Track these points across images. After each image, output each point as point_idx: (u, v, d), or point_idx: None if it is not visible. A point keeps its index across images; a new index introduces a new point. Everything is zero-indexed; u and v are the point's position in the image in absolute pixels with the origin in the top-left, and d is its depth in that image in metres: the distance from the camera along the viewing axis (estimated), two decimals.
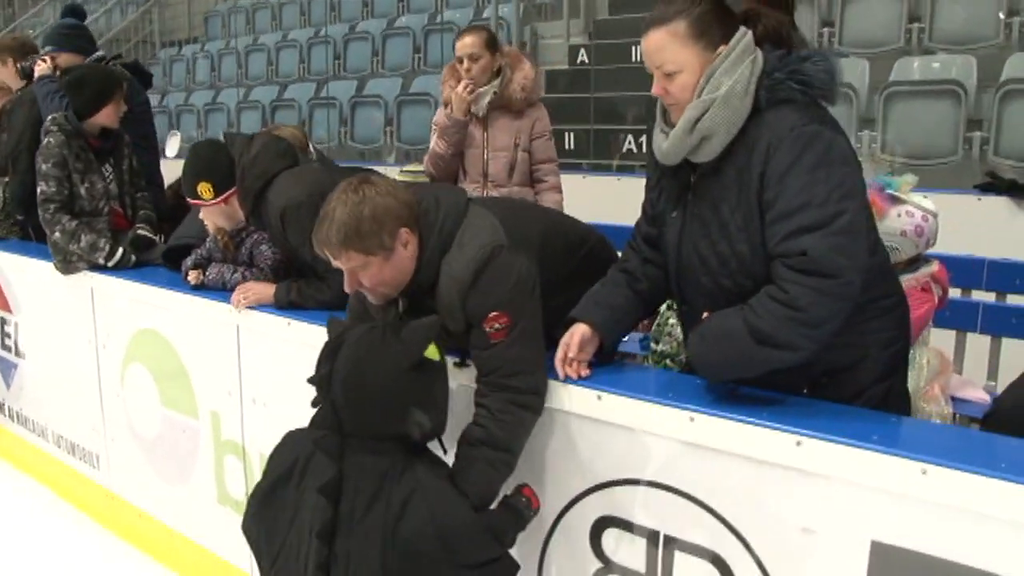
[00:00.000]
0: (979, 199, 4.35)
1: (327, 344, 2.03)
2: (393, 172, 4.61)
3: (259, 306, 2.90)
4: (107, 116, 3.73)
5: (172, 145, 5.36)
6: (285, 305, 2.85)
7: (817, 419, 1.80)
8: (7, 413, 4.66)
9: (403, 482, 1.91)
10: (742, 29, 1.98)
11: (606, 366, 2.21)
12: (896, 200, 2.62)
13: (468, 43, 3.70)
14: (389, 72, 8.56)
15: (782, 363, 1.84)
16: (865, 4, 5.99)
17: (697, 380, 2.05)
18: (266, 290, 2.90)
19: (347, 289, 2.16)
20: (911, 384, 2.45)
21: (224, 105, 9.06)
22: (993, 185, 4.37)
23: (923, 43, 5.75)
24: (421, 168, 3.94)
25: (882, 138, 5.17)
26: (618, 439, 2.07)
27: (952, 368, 2.96)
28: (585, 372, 2.13)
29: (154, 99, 9.71)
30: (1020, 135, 4.68)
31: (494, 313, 2.03)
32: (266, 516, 2.08)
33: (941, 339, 2.97)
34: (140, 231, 3.71)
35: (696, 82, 1.94)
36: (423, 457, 2.01)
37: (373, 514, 1.89)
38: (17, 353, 4.40)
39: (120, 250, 3.60)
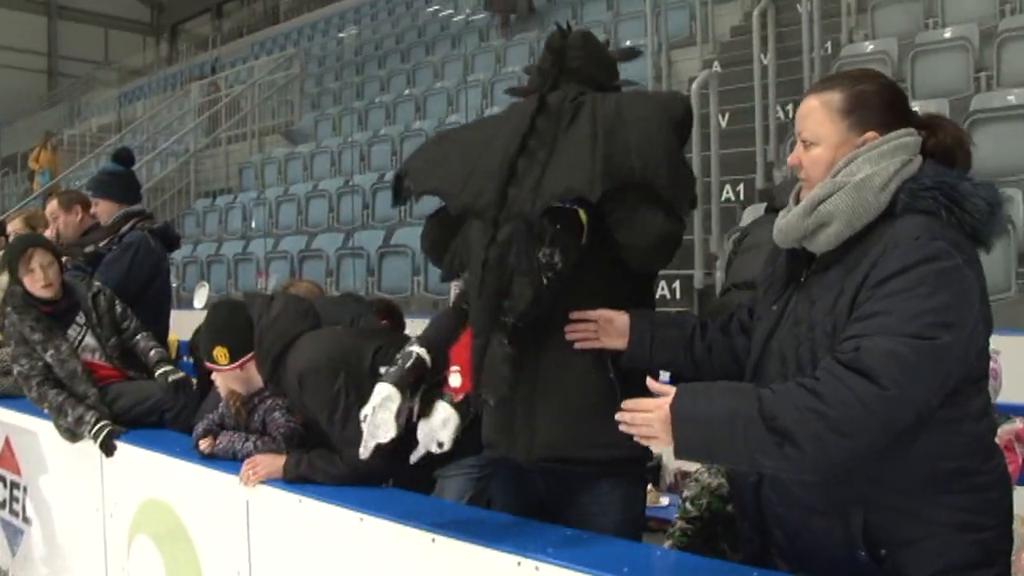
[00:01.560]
0: None
1: None
2: (422, 324, 4.52)
3: (270, 480, 2.73)
4: (30, 283, 3.64)
5: (200, 296, 5.32)
6: (294, 479, 2.67)
7: None
8: None
9: None
10: (909, 129, 1.78)
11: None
12: None
13: None
14: (416, 221, 8.60)
15: (780, 464, 1.61)
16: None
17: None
18: (276, 462, 2.74)
19: None
20: None
21: (253, 255, 9.12)
22: None
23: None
24: None
25: None
26: None
27: None
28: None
29: (186, 250, 9.86)
30: None
31: None
32: None
33: (1019, 501, 2.71)
34: (171, 378, 3.59)
35: (832, 159, 1.77)
36: None
37: None
38: (24, 519, 4.21)
39: (104, 426, 3.44)
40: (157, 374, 3.64)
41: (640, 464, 2.30)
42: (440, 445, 2.13)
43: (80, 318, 3.72)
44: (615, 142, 2.05)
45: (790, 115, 6.94)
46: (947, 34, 6.87)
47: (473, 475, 2.81)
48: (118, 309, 3.82)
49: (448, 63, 12.26)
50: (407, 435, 2.75)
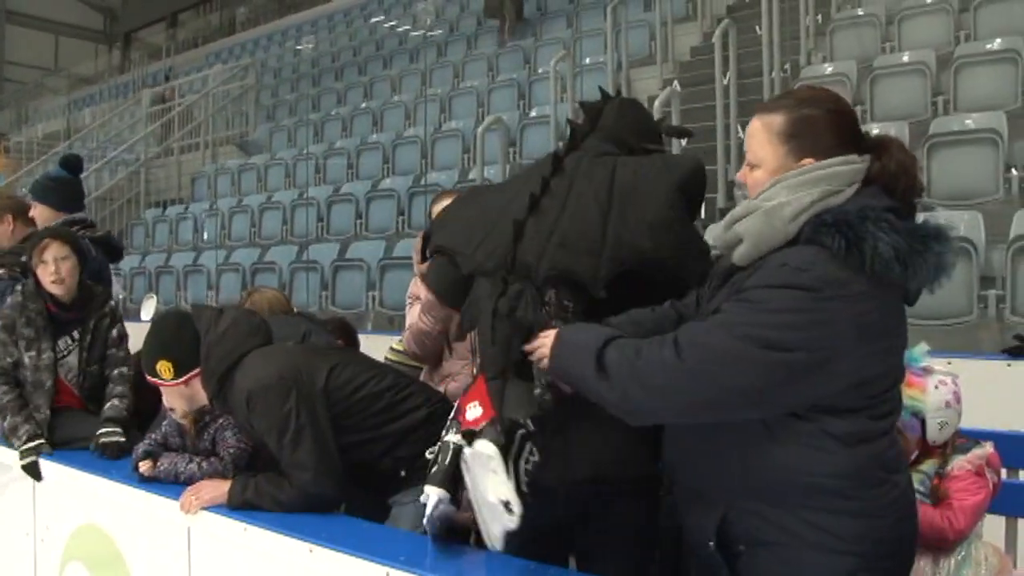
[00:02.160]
0: (1008, 365, 4.07)
1: None
2: (376, 341, 4.37)
3: (214, 506, 2.57)
4: (42, 275, 3.45)
5: (147, 308, 5.11)
6: (239, 505, 2.52)
7: None
8: None
9: None
10: (852, 157, 1.76)
11: None
12: (928, 371, 2.39)
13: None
14: (373, 235, 8.47)
15: (599, 393, 1.80)
16: None
17: None
18: (220, 487, 2.58)
19: None
20: None
21: (204, 267, 8.90)
22: (1023, 349, 4.08)
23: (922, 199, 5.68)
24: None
25: None
26: None
27: (1011, 566, 2.65)
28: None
29: (134, 260, 9.61)
30: None
31: None
32: None
33: (987, 528, 2.65)
34: (102, 439, 3.27)
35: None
36: None
37: None
38: None
39: (34, 447, 3.26)
40: (98, 432, 3.34)
41: (658, 480, 2.24)
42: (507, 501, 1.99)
43: (76, 334, 3.53)
44: (626, 219, 2.08)
45: None
46: (905, 58, 6.92)
47: None
48: (113, 334, 3.60)
49: (405, 77, 12.15)
50: (369, 461, 2.64)
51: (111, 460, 3.18)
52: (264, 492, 2.51)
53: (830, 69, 7.28)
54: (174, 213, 10.94)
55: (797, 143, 1.76)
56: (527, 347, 2.00)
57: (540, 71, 9.89)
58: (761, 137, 1.80)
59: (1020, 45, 6.39)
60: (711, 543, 1.82)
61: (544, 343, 1.94)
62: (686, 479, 1.93)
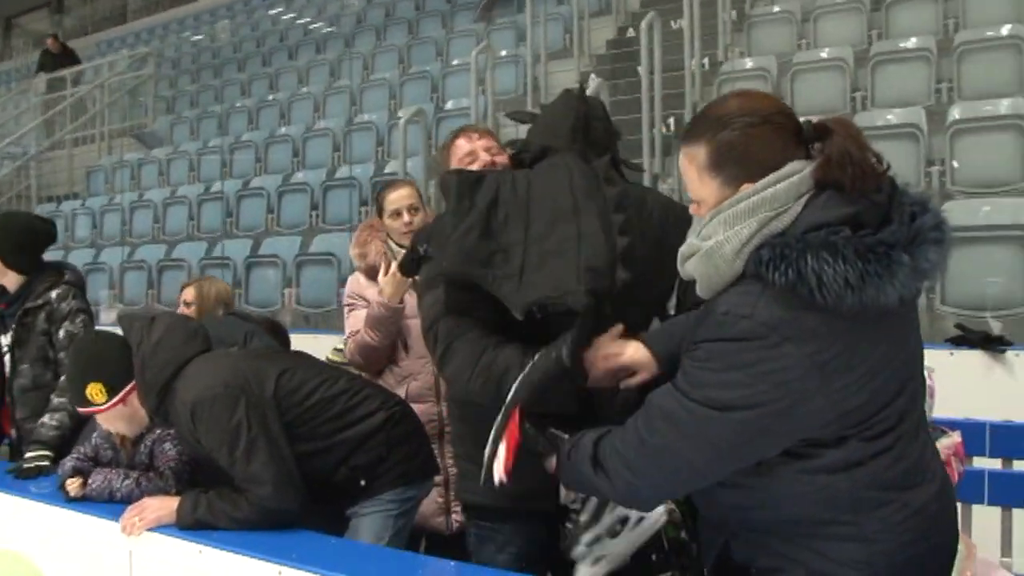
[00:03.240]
0: (951, 354, 4.11)
1: None
2: (295, 340, 4.14)
3: (159, 527, 2.34)
4: None
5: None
6: (191, 525, 2.30)
7: None
8: None
9: None
10: (789, 169, 1.56)
11: None
12: None
13: (406, 194, 3.17)
14: (286, 230, 8.19)
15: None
16: None
17: None
18: (167, 505, 2.36)
19: None
20: None
21: (106, 265, 8.45)
22: (965, 339, 4.15)
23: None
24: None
25: None
26: None
27: (975, 552, 2.65)
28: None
29: None
30: (964, 282, 4.55)
31: None
32: None
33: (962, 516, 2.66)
34: (24, 465, 2.93)
35: None
36: None
37: None
38: None
39: None
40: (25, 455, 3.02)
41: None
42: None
43: (8, 336, 3.18)
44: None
45: (671, 128, 6.97)
46: (823, 54, 7.03)
47: (392, 512, 2.54)
48: (61, 335, 3.18)
49: (313, 68, 11.81)
50: (324, 472, 2.46)
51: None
52: (218, 510, 2.30)
53: (750, 64, 7.35)
54: (69, 209, 10.36)
55: (727, 172, 1.60)
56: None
57: (455, 63, 9.76)
58: (691, 175, 1.66)
59: (931, 44, 6.59)
60: (705, 570, 1.79)
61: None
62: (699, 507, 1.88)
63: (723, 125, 1.60)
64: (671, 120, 7.04)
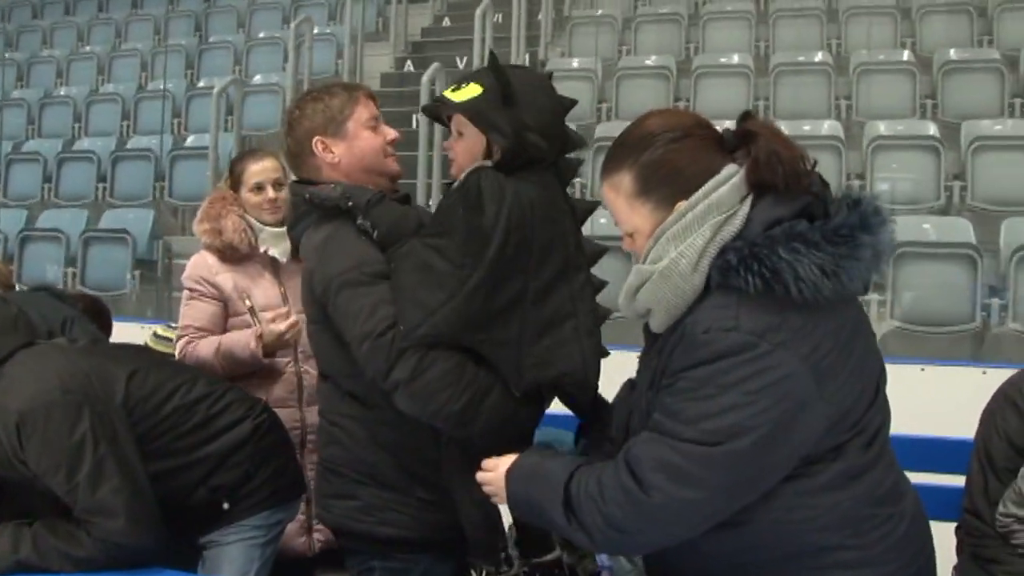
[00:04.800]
0: None
1: None
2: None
3: None
4: None
5: None
6: (9, 568, 1.85)
7: None
8: None
9: None
10: (718, 178, 1.49)
11: None
12: None
13: (271, 166, 2.78)
14: (65, 203, 7.47)
15: (573, 536, 1.58)
16: None
17: None
18: None
19: None
20: None
21: None
22: None
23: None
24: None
25: None
26: None
27: None
28: None
29: None
30: None
31: None
32: None
33: None
34: None
35: None
36: None
37: None
38: None
39: None
40: None
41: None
42: None
43: None
44: None
45: None
46: (649, 61, 7.18)
47: (259, 540, 2.22)
48: None
49: (96, 27, 10.77)
50: (179, 494, 2.10)
51: None
52: (48, 549, 1.85)
53: (576, 63, 7.39)
54: None
55: (658, 194, 1.53)
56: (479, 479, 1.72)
57: (261, 35, 9.21)
58: (619, 205, 1.57)
59: (748, 61, 6.93)
60: None
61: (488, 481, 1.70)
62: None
63: (645, 146, 1.54)
64: None
